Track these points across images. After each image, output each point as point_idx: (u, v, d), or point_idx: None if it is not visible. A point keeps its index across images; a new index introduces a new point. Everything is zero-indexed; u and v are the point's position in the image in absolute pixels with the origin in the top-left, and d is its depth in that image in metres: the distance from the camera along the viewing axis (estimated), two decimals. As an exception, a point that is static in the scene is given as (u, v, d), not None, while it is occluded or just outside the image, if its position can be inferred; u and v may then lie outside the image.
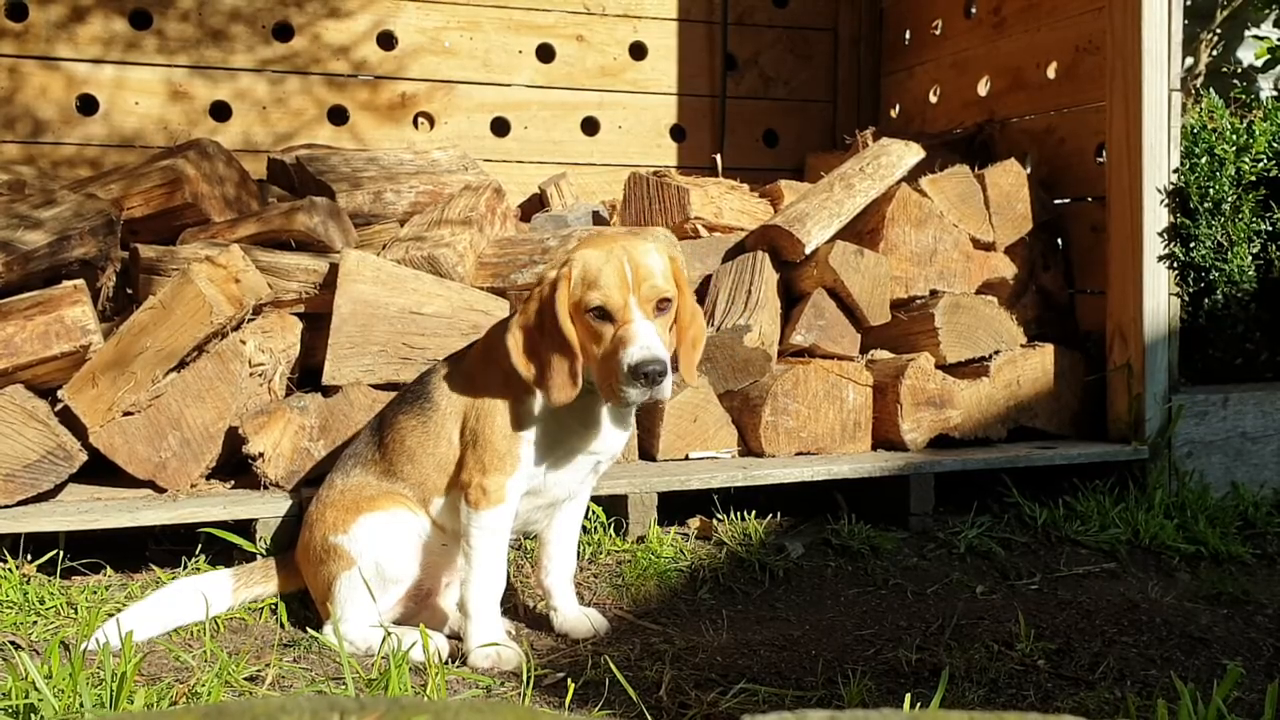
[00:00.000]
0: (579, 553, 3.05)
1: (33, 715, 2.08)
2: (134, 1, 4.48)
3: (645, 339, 2.33)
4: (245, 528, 2.94)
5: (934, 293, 3.82)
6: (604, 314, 2.37)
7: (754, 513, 3.40)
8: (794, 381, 3.52)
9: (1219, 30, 6.16)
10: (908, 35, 5.25)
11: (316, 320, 3.30)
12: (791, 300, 3.75)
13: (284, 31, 4.69)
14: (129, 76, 4.49)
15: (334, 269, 3.26)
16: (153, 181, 3.55)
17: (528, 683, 2.28)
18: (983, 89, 4.72)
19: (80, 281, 3.08)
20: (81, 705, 2.07)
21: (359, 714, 0.75)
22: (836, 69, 5.46)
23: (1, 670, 2.30)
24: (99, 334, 3.00)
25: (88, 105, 4.47)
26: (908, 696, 2.21)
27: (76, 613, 2.67)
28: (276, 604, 2.72)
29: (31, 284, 3.10)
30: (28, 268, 3.11)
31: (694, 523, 3.38)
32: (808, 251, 3.67)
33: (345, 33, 4.75)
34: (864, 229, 3.85)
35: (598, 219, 4.26)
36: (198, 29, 4.56)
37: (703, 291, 3.72)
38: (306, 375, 3.33)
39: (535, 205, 4.62)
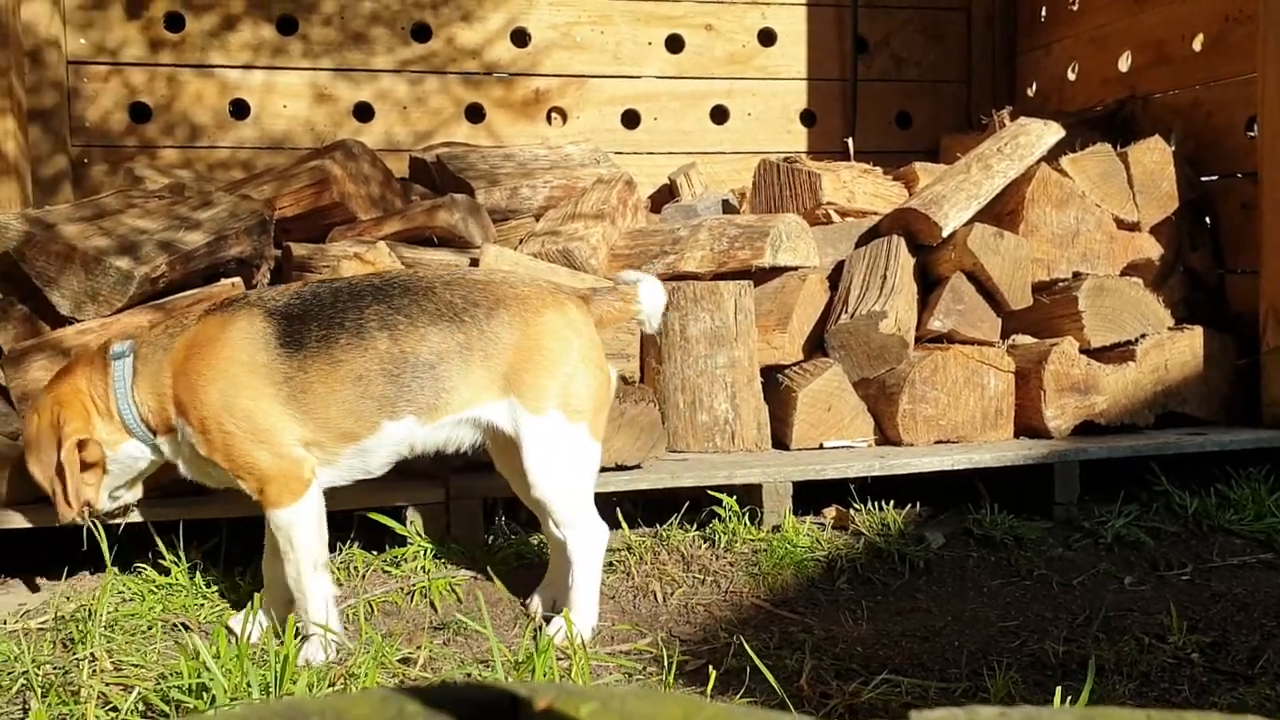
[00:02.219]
0: (715, 541, 3.10)
1: (204, 694, 2.20)
2: (280, 7, 4.66)
3: None
4: (397, 513, 3.05)
5: (1076, 275, 3.73)
6: None
7: (892, 502, 3.37)
8: (932, 368, 3.48)
9: (1382, -8, 5.83)
10: (1043, 12, 5.12)
11: (458, 314, 3.39)
12: (928, 285, 3.70)
13: (422, 32, 4.81)
14: (277, 81, 4.67)
15: (474, 264, 3.34)
16: (302, 182, 3.69)
17: (668, 669, 2.32)
18: (1124, 64, 4.57)
19: (237, 279, 3.24)
20: (249, 685, 2.19)
21: (532, 696, 0.79)
22: (970, 48, 5.36)
23: (174, 651, 2.44)
24: (255, 330, 3.13)
25: (239, 110, 4.67)
26: (1058, 690, 2.18)
27: (239, 596, 2.81)
28: (428, 588, 2.82)
29: (192, 282, 3.26)
30: (188, 267, 3.27)
31: (830, 512, 3.37)
32: (945, 234, 3.61)
33: (480, 32, 4.85)
34: (1002, 210, 3.77)
35: (727, 207, 4.28)
36: (340, 32, 4.71)
37: (836, 277, 3.70)
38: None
39: (665, 196, 4.65)
